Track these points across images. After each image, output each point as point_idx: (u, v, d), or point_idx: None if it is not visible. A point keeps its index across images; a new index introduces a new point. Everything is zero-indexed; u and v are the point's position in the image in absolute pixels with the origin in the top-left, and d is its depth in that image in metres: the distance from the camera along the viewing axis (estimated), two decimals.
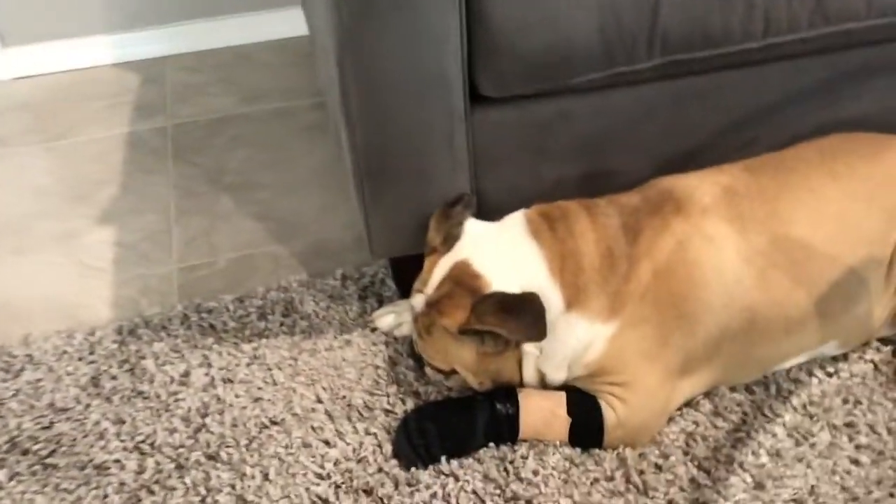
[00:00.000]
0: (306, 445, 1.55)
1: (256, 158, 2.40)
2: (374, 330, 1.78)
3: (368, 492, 1.47)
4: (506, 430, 1.52)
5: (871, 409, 1.55)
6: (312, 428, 1.59)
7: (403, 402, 1.62)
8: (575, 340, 1.49)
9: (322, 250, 2.05)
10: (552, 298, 1.46)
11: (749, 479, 1.45)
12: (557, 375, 1.53)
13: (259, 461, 1.54)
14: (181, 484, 1.50)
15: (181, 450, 1.56)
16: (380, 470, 1.51)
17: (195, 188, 2.29)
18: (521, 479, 1.46)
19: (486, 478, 1.48)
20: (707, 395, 1.59)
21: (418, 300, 1.56)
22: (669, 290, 1.48)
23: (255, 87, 2.71)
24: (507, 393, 1.54)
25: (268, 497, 1.48)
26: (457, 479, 1.47)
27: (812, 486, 1.43)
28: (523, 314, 1.43)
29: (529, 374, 1.55)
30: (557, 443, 1.51)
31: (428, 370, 1.65)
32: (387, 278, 1.91)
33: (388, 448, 1.54)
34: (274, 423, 1.61)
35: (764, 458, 1.47)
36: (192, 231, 2.14)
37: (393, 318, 1.79)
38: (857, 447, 1.49)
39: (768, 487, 1.43)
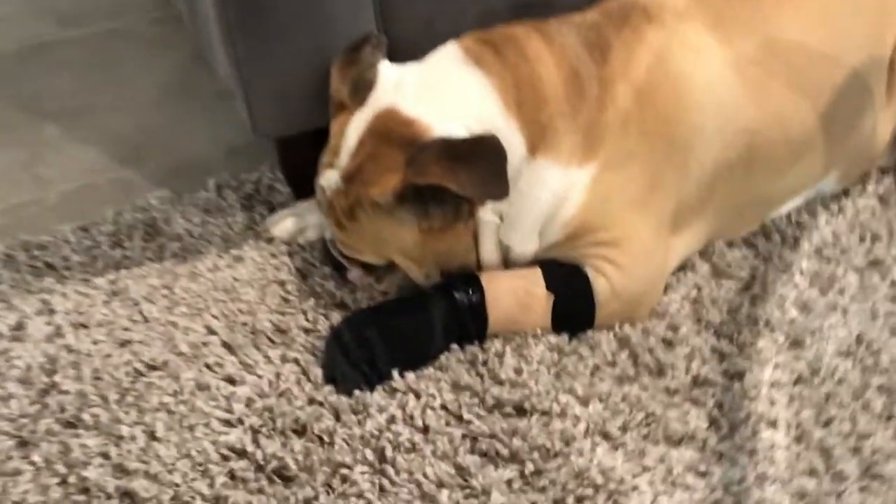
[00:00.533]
0: (202, 388, 1.14)
1: (86, 81, 1.92)
2: (270, 241, 1.37)
3: (301, 430, 1.07)
4: (471, 323, 1.15)
5: (893, 242, 1.28)
6: (207, 366, 1.17)
7: (327, 317, 1.23)
8: (546, 194, 1.14)
9: (183, 168, 1.61)
10: (511, 141, 1.10)
11: (782, 339, 1.15)
12: (526, 247, 1.18)
13: (139, 418, 1.11)
14: (27, 465, 1.05)
15: (23, 420, 1.11)
16: (311, 401, 1.11)
17: (6, 120, 1.80)
18: (501, 382, 1.11)
19: (457, 386, 1.11)
20: (702, 255, 1.28)
21: (330, 177, 1.17)
22: (655, 114, 1.15)
23: (73, 9, 2.22)
24: (467, 279, 1.17)
25: (159, 460, 1.05)
26: (417, 395, 1.10)
27: (858, 335, 1.15)
28: (478, 162, 1.07)
29: (489, 252, 1.19)
30: (538, 331, 1.16)
31: (353, 274, 1.26)
32: (275, 183, 1.50)
33: (317, 373, 1.15)
34: (152, 367, 1.17)
35: (793, 313, 1.18)
36: (6, 165, 1.66)
37: (293, 222, 1.38)
38: (893, 283, 1.22)
39: (808, 343, 1.14)
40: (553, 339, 1.16)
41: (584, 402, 1.08)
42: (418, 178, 1.06)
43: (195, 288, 1.29)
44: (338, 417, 1.08)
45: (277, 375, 1.15)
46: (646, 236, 1.18)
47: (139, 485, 1.02)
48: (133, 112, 1.80)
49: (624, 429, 1.05)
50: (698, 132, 1.17)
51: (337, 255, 1.25)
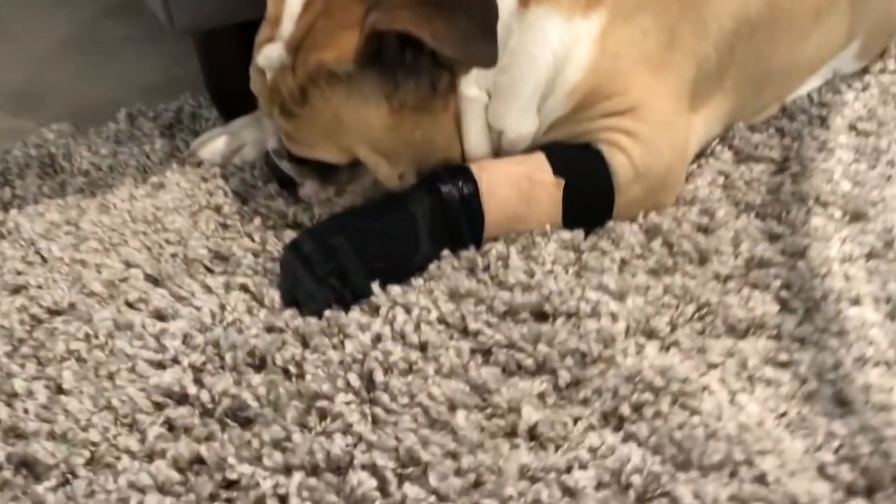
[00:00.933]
0: (123, 328, 0.87)
1: None
2: (198, 165, 1.12)
3: (258, 363, 0.82)
4: (464, 222, 0.92)
5: None
6: (129, 303, 0.90)
7: (278, 237, 0.98)
8: (545, 54, 0.92)
9: (89, 110, 1.34)
10: None
11: (839, 213, 0.95)
12: (522, 127, 0.96)
13: (39, 371, 0.83)
14: None
15: None
16: (270, 329, 0.85)
17: None
18: (509, 287, 0.87)
19: (456, 295, 0.87)
20: (722, 141, 1.08)
21: (271, 52, 0.93)
22: None
23: None
24: (454, 170, 0.94)
25: (68, 416, 0.78)
26: (407, 309, 0.85)
27: None
28: (459, 11, 0.84)
29: (476, 139, 0.96)
30: (547, 228, 0.93)
31: (306, 189, 1.01)
32: (200, 109, 1.25)
33: (273, 296, 0.89)
34: (55, 312, 0.90)
35: (845, 186, 0.98)
36: None
37: (225, 141, 1.13)
38: None
39: (871, 215, 0.94)
40: (566, 234, 0.93)
41: (619, 296, 0.85)
42: (382, 23, 0.83)
43: (107, 221, 1.03)
44: (305, 343, 0.83)
45: (222, 306, 0.89)
46: (666, 104, 0.97)
47: (39, 449, 0.74)
48: (26, 67, 1.54)
49: (673, 325, 0.83)
50: None
51: (285, 165, 1.00)
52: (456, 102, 0.94)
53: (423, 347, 0.81)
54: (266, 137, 1.04)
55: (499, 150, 0.98)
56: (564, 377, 0.77)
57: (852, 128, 1.09)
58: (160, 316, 0.88)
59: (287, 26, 0.92)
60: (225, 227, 1.01)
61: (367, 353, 0.80)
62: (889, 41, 1.23)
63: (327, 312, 0.85)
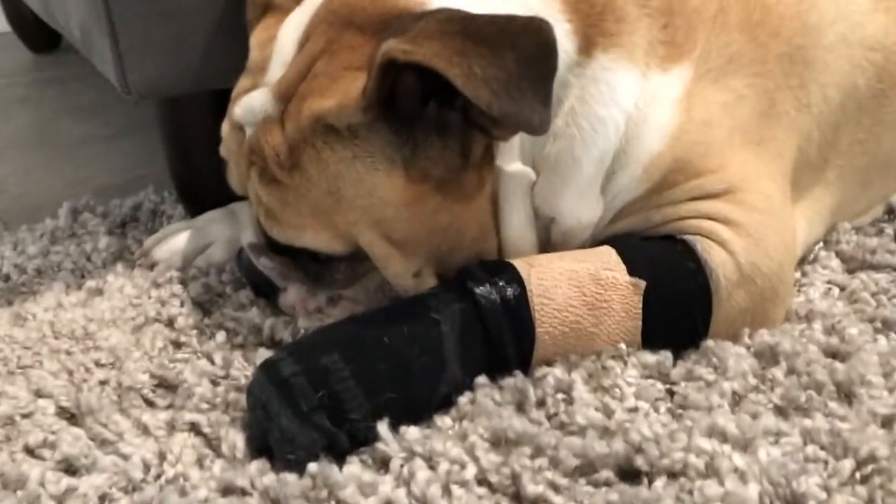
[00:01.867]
0: (12, 484, 0.59)
1: None
2: (152, 267, 0.86)
3: None
4: (508, 335, 0.66)
5: None
6: (28, 448, 0.63)
7: (247, 360, 0.71)
8: (614, 115, 0.69)
9: (28, 212, 1.10)
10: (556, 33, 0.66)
11: None
12: (583, 213, 0.72)
13: None
14: None
15: None
16: (227, 489, 0.57)
17: None
18: (579, 432, 0.60)
19: (501, 442, 0.59)
20: (825, 246, 0.85)
21: (252, 101, 0.70)
22: (760, 3, 0.75)
23: None
24: (493, 266, 0.69)
25: None
26: (431, 461, 0.58)
27: None
28: (505, 51, 0.61)
29: (519, 229, 0.72)
30: (622, 349, 0.67)
31: (289, 296, 0.77)
32: (162, 206, 1.01)
33: (236, 440, 0.62)
34: None
35: None
36: None
37: (188, 238, 0.88)
38: None
39: None
40: (649, 357, 0.67)
41: (743, 446, 0.58)
42: (399, 53, 0.60)
43: (19, 335, 0.76)
44: None
45: (161, 455, 0.61)
46: (770, 186, 0.73)
47: None
48: None
49: (827, 488, 0.56)
50: (815, 33, 0.77)
51: (263, 263, 0.75)
52: (493, 179, 0.70)
53: None
54: (241, 231, 0.80)
55: (548, 245, 0.74)
56: None
57: None
58: (69, 468, 0.61)
59: (276, 70, 0.69)
60: (177, 345, 0.75)
61: None
62: None
63: (313, 466, 0.57)
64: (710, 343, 0.68)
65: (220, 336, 0.74)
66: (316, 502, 0.55)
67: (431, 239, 0.69)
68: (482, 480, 0.57)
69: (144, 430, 0.64)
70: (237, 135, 0.71)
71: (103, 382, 0.70)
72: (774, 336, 0.69)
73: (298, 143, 0.66)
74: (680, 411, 0.63)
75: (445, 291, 0.67)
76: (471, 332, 0.65)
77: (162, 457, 0.61)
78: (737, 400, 0.64)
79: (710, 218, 0.70)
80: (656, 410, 0.63)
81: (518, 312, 0.66)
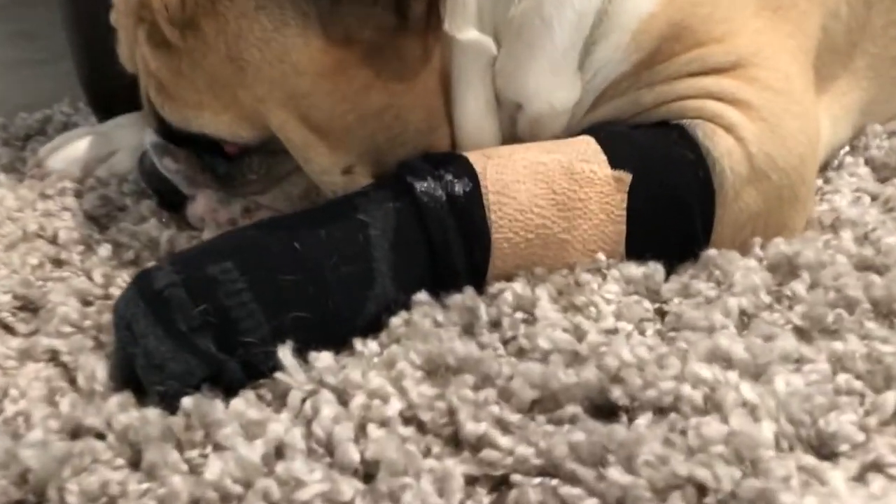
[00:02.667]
0: None
1: None
2: (42, 178, 0.72)
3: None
4: (455, 241, 0.51)
5: None
6: None
7: (102, 312, 0.56)
8: None
9: None
10: None
11: None
12: (556, 94, 0.57)
13: None
14: None
15: None
16: (75, 431, 0.44)
17: None
18: (540, 357, 0.46)
19: (438, 370, 0.45)
20: (852, 151, 0.71)
21: None
22: None
23: None
24: (441, 158, 0.55)
25: None
26: (343, 395, 0.44)
27: None
28: None
29: (476, 115, 0.58)
30: (601, 258, 0.53)
31: (198, 205, 0.63)
32: (74, 117, 0.87)
33: (96, 369, 0.48)
34: None
35: None
36: None
37: (90, 144, 0.74)
38: None
39: None
40: (634, 269, 0.53)
41: (754, 374, 0.44)
42: None
43: None
44: (136, 462, 0.41)
45: (2, 391, 0.47)
46: (791, 64, 0.59)
47: None
48: None
49: (864, 428, 0.42)
50: None
51: (167, 165, 0.61)
52: (442, 50, 0.56)
53: (367, 474, 0.40)
54: (147, 130, 0.65)
55: (513, 139, 0.59)
56: None
57: None
58: None
59: None
60: (57, 263, 0.61)
61: (255, 482, 0.39)
62: None
63: (187, 401, 0.44)
64: (711, 253, 0.54)
65: (104, 251, 0.60)
66: (188, 446, 0.42)
67: (363, 125, 0.55)
68: (410, 418, 0.43)
69: None
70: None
71: None
72: (793, 245, 0.55)
73: (197, 16, 0.52)
74: (672, 333, 0.49)
75: (378, 189, 0.53)
76: (408, 237, 0.51)
77: (3, 393, 0.47)
78: (745, 321, 0.50)
79: (714, 97, 0.55)
80: (641, 333, 0.49)
81: (469, 213, 0.51)
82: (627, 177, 0.53)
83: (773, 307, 0.51)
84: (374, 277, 0.50)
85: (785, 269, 0.54)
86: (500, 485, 0.40)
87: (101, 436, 0.43)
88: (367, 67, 0.53)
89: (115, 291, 0.55)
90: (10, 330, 0.54)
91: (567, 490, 0.38)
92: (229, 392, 0.45)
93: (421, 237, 0.51)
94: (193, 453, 0.41)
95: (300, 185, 0.59)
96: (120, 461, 0.41)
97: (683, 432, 0.41)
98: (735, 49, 0.56)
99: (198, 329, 0.46)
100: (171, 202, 0.65)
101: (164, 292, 0.46)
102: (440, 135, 0.57)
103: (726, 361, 0.45)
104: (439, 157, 0.55)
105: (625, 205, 0.53)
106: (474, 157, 0.54)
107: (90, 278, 0.57)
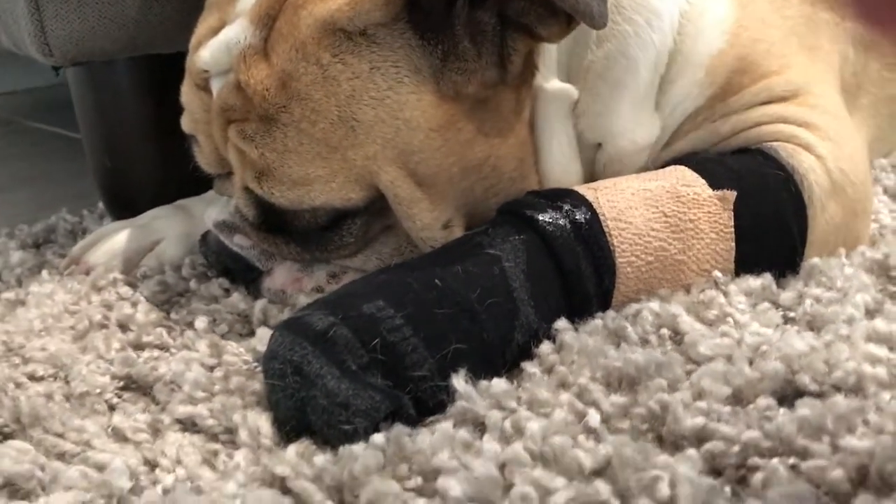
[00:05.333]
0: None
1: None
2: (88, 273, 0.68)
3: None
4: (587, 268, 0.52)
5: None
6: None
7: (243, 349, 0.54)
8: (669, 5, 0.59)
9: None
10: None
11: None
12: (638, 132, 0.60)
13: None
14: None
15: None
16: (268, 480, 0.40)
17: None
18: (702, 360, 0.47)
19: (621, 380, 0.45)
20: None
21: (229, 35, 0.56)
22: None
23: None
24: (551, 194, 0.56)
25: None
26: (534, 408, 0.43)
27: None
28: None
29: (561, 158, 0.60)
30: (717, 276, 0.55)
31: (277, 278, 0.61)
32: (82, 224, 0.83)
33: (258, 426, 0.44)
34: None
35: None
36: None
37: (128, 236, 0.71)
38: None
39: None
40: (751, 282, 0.54)
41: None
42: None
43: None
44: None
45: (148, 462, 0.43)
46: (833, 93, 0.64)
47: None
48: None
49: None
50: None
51: (239, 242, 0.60)
52: (531, 97, 0.58)
53: (599, 470, 0.39)
54: (201, 221, 0.64)
55: (592, 176, 0.62)
56: None
57: None
58: (16, 491, 0.42)
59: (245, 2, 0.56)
60: (139, 347, 0.57)
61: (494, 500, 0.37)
62: None
63: (379, 437, 0.41)
64: (815, 261, 0.57)
65: (201, 323, 0.57)
66: (393, 479, 0.39)
67: (465, 177, 0.56)
68: (614, 431, 0.42)
69: (118, 436, 0.46)
70: (203, 97, 0.57)
71: (46, 395, 0.51)
72: (880, 250, 0.58)
73: (295, 67, 0.53)
74: (810, 332, 0.50)
75: (497, 226, 0.54)
76: (540, 267, 0.51)
77: (151, 464, 0.43)
78: (873, 314, 0.52)
79: (786, 122, 0.60)
80: (773, 328, 0.50)
81: (594, 239, 0.52)
82: (731, 195, 0.55)
83: (888, 301, 0.53)
84: (517, 307, 0.50)
85: (878, 272, 0.57)
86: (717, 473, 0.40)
87: (287, 487, 0.40)
88: (472, 121, 0.55)
89: (231, 359, 0.52)
90: (119, 409, 0.50)
91: (809, 464, 0.38)
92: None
93: (552, 266, 0.52)
94: (410, 484, 0.39)
95: (391, 243, 0.59)
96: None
97: (878, 405, 0.42)
98: (792, 79, 0.61)
99: (367, 367, 0.44)
100: (244, 280, 0.62)
101: (329, 333, 0.45)
102: (530, 182, 0.59)
103: (888, 341, 0.47)
104: (548, 192, 0.56)
105: (732, 223, 0.55)
106: (582, 190, 0.55)
107: (194, 349, 0.54)
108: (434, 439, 0.41)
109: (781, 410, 0.42)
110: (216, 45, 0.56)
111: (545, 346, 0.49)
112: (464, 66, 0.54)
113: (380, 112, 0.53)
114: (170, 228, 0.71)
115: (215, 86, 0.57)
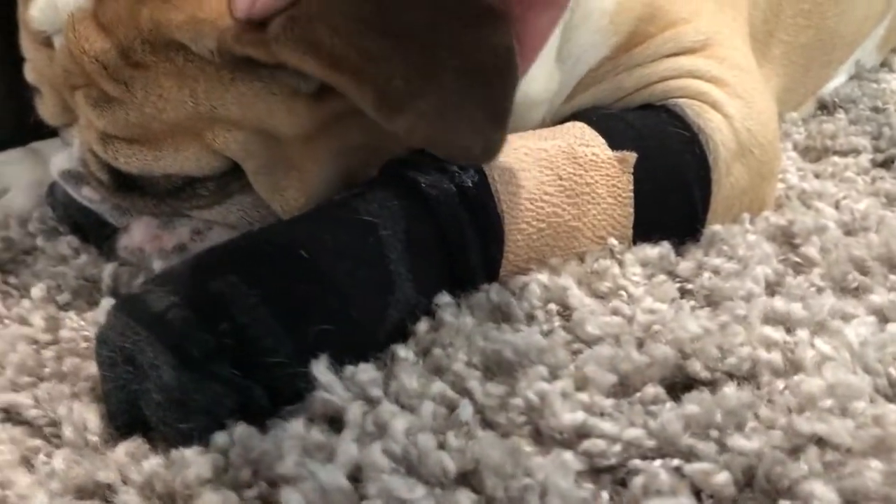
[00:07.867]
0: None
1: None
2: None
3: None
4: (472, 236, 0.47)
5: None
6: None
7: (85, 321, 0.48)
8: None
9: None
10: None
11: None
12: (534, 85, 0.55)
13: None
14: None
15: None
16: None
17: None
18: (594, 341, 0.43)
19: (500, 364, 0.41)
20: None
21: None
22: None
23: None
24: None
25: None
26: (401, 401, 0.38)
27: None
28: (442, 66, 0.41)
29: None
30: (613, 244, 0.51)
31: (135, 235, 0.54)
32: None
33: (86, 422, 0.39)
34: None
35: None
36: None
37: None
38: None
39: None
40: (649, 251, 0.51)
41: (815, 332, 0.43)
42: (289, 49, 0.41)
43: None
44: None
45: None
46: (742, 44, 0.60)
47: None
48: None
49: None
50: None
51: (88, 195, 0.53)
52: None
53: (465, 474, 0.35)
54: (52, 159, 0.57)
55: None
56: None
57: None
58: None
59: None
60: None
61: None
62: None
63: (221, 436, 0.36)
64: (716, 228, 0.53)
65: (37, 291, 0.50)
66: (233, 487, 0.34)
67: (340, 160, 0.51)
68: (488, 423, 0.38)
69: None
70: (45, 51, 0.49)
71: None
72: (784, 216, 0.55)
73: (138, 50, 0.45)
74: (707, 308, 0.47)
75: (376, 188, 0.48)
76: (421, 236, 0.46)
77: None
78: (773, 289, 0.49)
79: (694, 76, 0.55)
80: (671, 307, 0.47)
81: (482, 204, 0.47)
82: (632, 156, 0.51)
83: (789, 273, 0.50)
84: (393, 281, 0.45)
85: (781, 239, 0.54)
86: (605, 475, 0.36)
87: (112, 489, 0.35)
88: (348, 112, 0.48)
89: (68, 334, 0.46)
90: None
91: (693, 467, 0.35)
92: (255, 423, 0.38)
93: (434, 234, 0.46)
94: (251, 493, 0.34)
95: (253, 193, 0.53)
96: None
97: (770, 397, 0.39)
98: (702, 28, 0.56)
99: (214, 354, 0.39)
100: (96, 237, 0.56)
101: (167, 315, 0.39)
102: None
103: (784, 322, 0.44)
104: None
105: (631, 187, 0.51)
106: None
107: (27, 323, 0.47)
108: (283, 439, 0.36)
109: (668, 405, 0.38)
110: (45, 3, 0.48)
111: (422, 325, 0.45)
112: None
113: (246, 112, 0.47)
114: (18, 176, 0.63)
115: (55, 43, 0.50)
